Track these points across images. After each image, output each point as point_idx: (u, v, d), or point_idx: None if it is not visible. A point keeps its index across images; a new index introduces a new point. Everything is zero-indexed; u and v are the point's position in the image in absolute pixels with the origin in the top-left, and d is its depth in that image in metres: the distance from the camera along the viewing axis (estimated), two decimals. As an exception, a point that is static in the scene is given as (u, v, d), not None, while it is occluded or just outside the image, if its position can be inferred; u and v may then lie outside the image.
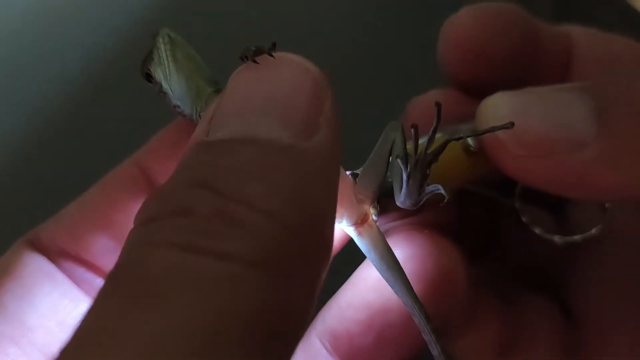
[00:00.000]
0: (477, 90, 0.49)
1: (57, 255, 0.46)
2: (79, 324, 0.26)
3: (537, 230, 0.50)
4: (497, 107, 0.42)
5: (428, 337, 0.42)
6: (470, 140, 0.44)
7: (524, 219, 0.50)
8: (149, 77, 0.44)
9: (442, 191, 0.40)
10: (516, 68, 0.50)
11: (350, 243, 0.45)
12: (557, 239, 0.49)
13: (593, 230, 0.49)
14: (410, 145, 0.41)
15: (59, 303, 0.45)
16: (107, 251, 0.46)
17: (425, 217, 0.49)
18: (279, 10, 0.94)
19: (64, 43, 0.90)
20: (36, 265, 0.45)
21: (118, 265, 0.28)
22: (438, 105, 0.40)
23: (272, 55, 0.34)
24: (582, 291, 0.51)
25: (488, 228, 0.55)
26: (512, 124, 0.39)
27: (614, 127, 0.39)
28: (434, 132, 0.40)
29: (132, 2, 0.93)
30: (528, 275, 0.54)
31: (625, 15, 0.80)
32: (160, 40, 0.43)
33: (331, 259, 0.43)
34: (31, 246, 0.46)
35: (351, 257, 0.46)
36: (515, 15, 0.50)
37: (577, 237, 0.49)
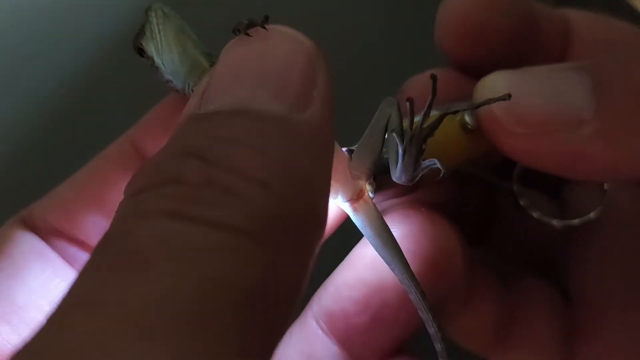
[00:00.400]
0: (474, 70, 0.49)
1: (49, 233, 0.46)
2: (65, 292, 0.25)
3: (535, 214, 0.50)
4: (495, 84, 0.42)
5: (424, 315, 0.42)
6: (467, 118, 0.43)
7: (522, 203, 0.50)
8: (141, 52, 0.44)
9: (439, 165, 0.40)
10: (514, 49, 0.49)
11: (346, 223, 0.45)
12: (555, 222, 0.49)
13: (591, 214, 0.49)
14: (406, 121, 0.41)
15: (51, 281, 0.44)
16: (100, 229, 0.46)
17: (422, 196, 0.48)
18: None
19: (61, 37, 0.89)
20: (28, 244, 0.45)
21: (106, 235, 0.27)
22: (434, 77, 0.39)
23: (265, 28, 0.34)
24: (580, 273, 0.51)
25: (486, 211, 0.55)
26: (509, 96, 0.39)
27: (612, 105, 0.38)
28: (430, 105, 0.40)
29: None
30: (526, 258, 0.54)
31: (625, 15, 0.80)
32: (153, 14, 0.43)
33: (325, 233, 0.43)
34: (23, 225, 0.45)
35: (347, 237, 0.45)
36: None
37: (575, 221, 0.49)
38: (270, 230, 0.27)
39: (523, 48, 0.50)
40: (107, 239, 0.27)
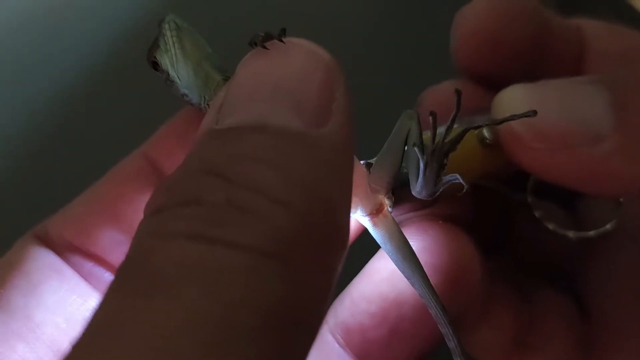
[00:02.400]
0: (489, 82, 0.49)
1: (65, 249, 0.45)
2: (89, 319, 0.25)
3: (550, 226, 0.49)
4: (514, 98, 0.42)
5: (445, 329, 0.41)
6: (486, 133, 0.43)
7: (536, 214, 0.50)
8: (155, 66, 0.44)
9: (461, 180, 0.40)
10: (529, 59, 0.49)
11: (362, 234, 0.45)
12: (570, 234, 0.49)
13: (607, 226, 0.48)
14: (426, 134, 0.41)
15: (67, 298, 0.44)
16: (116, 244, 0.45)
17: (439, 210, 0.48)
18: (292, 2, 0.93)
19: (64, 40, 0.89)
20: (44, 260, 0.44)
21: (127, 258, 0.27)
22: (458, 92, 0.39)
23: (282, 41, 0.34)
24: (597, 286, 0.50)
25: (502, 223, 0.55)
26: (534, 113, 0.39)
27: (632, 120, 0.38)
28: (453, 120, 0.40)
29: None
30: (543, 270, 0.53)
31: (625, 15, 0.80)
32: (167, 26, 0.42)
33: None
34: (38, 240, 0.45)
35: (363, 248, 0.45)
36: (528, 5, 0.49)
37: (591, 233, 0.49)
38: (292, 250, 0.27)
39: (538, 58, 0.50)
40: (128, 262, 0.27)
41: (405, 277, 0.42)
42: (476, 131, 0.44)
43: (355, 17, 0.93)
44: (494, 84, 0.46)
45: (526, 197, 0.50)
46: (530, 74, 0.44)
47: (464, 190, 0.40)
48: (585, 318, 0.50)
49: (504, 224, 0.55)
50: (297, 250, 0.27)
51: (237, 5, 0.92)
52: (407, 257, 0.42)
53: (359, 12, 0.94)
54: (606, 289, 0.49)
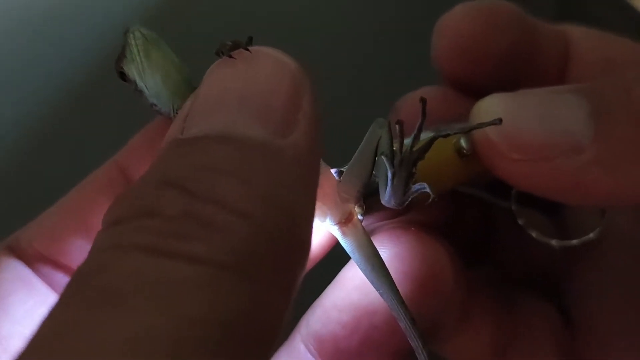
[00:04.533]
0: (471, 88, 0.49)
1: (35, 260, 0.45)
2: (36, 330, 0.25)
3: (533, 234, 0.49)
4: (491, 108, 0.41)
5: (414, 342, 0.41)
6: (463, 143, 0.43)
7: (520, 222, 0.49)
8: (123, 76, 0.43)
9: (428, 190, 0.39)
10: (511, 67, 0.49)
11: (335, 244, 0.44)
12: (554, 242, 0.49)
13: (591, 234, 0.48)
14: (397, 143, 0.40)
15: (35, 310, 0.44)
16: (86, 255, 0.45)
17: (415, 217, 0.48)
18: (266, 8, 0.93)
19: (57, 44, 0.89)
20: (13, 272, 0.44)
21: (79, 270, 0.27)
22: (423, 101, 0.39)
23: (248, 50, 0.33)
24: (580, 295, 0.50)
25: (484, 230, 0.54)
26: (499, 120, 0.38)
27: (611, 130, 0.38)
28: (420, 129, 0.39)
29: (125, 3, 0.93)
30: (525, 278, 0.53)
31: (625, 15, 0.79)
32: (132, 36, 0.42)
33: (315, 257, 0.42)
34: (9, 251, 0.45)
35: (336, 256, 0.44)
36: (510, 12, 0.49)
37: (574, 241, 0.48)
38: (251, 262, 0.26)
39: (521, 65, 0.49)
40: (80, 273, 0.26)
41: (374, 287, 0.41)
42: (453, 141, 0.43)
43: (332, 21, 0.93)
44: (476, 91, 0.45)
45: (510, 205, 0.50)
46: (513, 81, 0.44)
47: (431, 200, 0.39)
48: (569, 327, 0.50)
49: (487, 231, 0.54)
50: (256, 263, 0.26)
51: (211, 12, 0.92)
52: (376, 267, 0.41)
53: (337, 16, 0.94)
54: (590, 297, 0.49)
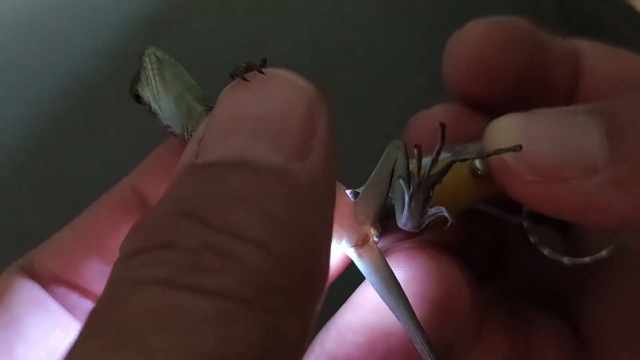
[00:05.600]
0: (483, 106, 0.48)
1: (49, 281, 0.45)
2: None
3: (545, 251, 0.49)
4: (506, 129, 0.41)
5: None
6: (477, 164, 0.43)
7: (532, 240, 0.49)
8: (138, 99, 0.43)
9: (446, 214, 0.39)
10: (523, 84, 0.49)
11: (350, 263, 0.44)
12: (566, 260, 0.48)
13: (603, 252, 0.48)
14: (413, 165, 0.40)
15: (50, 332, 0.43)
16: (101, 276, 0.45)
17: (429, 237, 0.47)
18: (278, 25, 0.93)
19: (60, 48, 0.89)
20: (27, 293, 0.44)
21: (98, 304, 0.27)
22: (442, 126, 0.38)
23: (262, 72, 0.33)
24: (592, 312, 0.50)
25: (496, 248, 0.54)
26: (520, 147, 0.38)
27: (627, 151, 0.38)
28: (438, 153, 0.39)
29: (129, 7, 0.92)
30: (537, 295, 0.53)
31: (625, 15, 0.79)
32: (147, 59, 0.42)
33: (330, 281, 0.42)
34: (23, 272, 0.44)
35: (351, 275, 0.44)
36: (522, 29, 0.49)
37: (586, 259, 0.48)
38: (268, 294, 0.26)
39: (533, 82, 0.49)
40: (99, 308, 0.26)
41: (391, 310, 0.41)
42: (467, 162, 0.43)
43: (345, 39, 0.93)
44: (488, 108, 0.45)
45: (522, 222, 0.50)
46: (524, 98, 0.44)
47: (449, 224, 0.39)
48: (580, 344, 0.49)
49: (499, 248, 0.54)
50: (273, 294, 0.26)
51: (223, 33, 0.92)
52: (392, 290, 0.41)
53: (350, 34, 0.94)
54: (602, 315, 0.49)
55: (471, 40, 0.49)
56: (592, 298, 0.50)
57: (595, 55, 0.51)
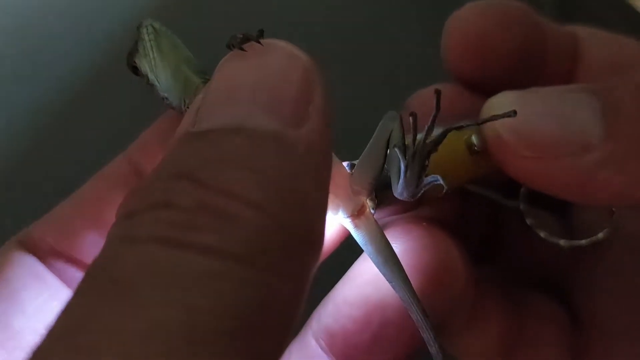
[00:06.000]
0: (481, 87, 0.49)
1: (48, 254, 0.45)
2: (52, 323, 0.25)
3: (541, 234, 0.49)
4: (502, 105, 0.41)
5: (426, 334, 0.41)
6: (474, 139, 0.43)
7: (528, 222, 0.49)
8: (135, 70, 0.44)
9: (441, 182, 0.39)
10: (521, 65, 0.49)
11: (347, 238, 0.44)
12: (562, 242, 0.49)
13: (600, 235, 0.48)
14: (409, 136, 0.40)
15: (48, 305, 0.44)
16: (99, 249, 0.45)
17: (424, 213, 0.48)
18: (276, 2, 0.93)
19: (58, 41, 0.90)
20: (25, 266, 0.44)
21: (95, 262, 0.27)
22: (438, 92, 0.39)
23: (259, 43, 0.33)
24: (588, 295, 0.50)
25: (492, 229, 0.54)
26: (514, 112, 0.38)
27: (621, 129, 0.38)
28: (434, 120, 0.39)
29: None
30: (533, 277, 0.53)
31: (625, 15, 0.80)
32: (144, 31, 0.42)
33: (327, 250, 0.42)
34: (22, 246, 0.45)
35: (347, 251, 0.44)
36: (520, 11, 0.49)
37: (583, 241, 0.48)
38: (264, 253, 0.26)
39: (530, 64, 0.49)
40: (95, 266, 0.27)
41: (387, 280, 0.41)
42: (464, 137, 0.43)
43: (345, 13, 0.93)
44: (485, 89, 0.45)
45: (518, 204, 0.50)
46: (522, 80, 0.44)
47: (444, 192, 0.39)
48: (576, 326, 0.50)
49: (495, 230, 0.54)
50: (269, 254, 0.26)
51: (220, 6, 0.92)
52: (388, 259, 0.41)
53: (350, 10, 0.94)
54: (598, 297, 0.49)
55: (469, 20, 0.49)
56: (588, 280, 0.50)
57: (592, 39, 0.51)
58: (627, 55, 0.50)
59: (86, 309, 0.25)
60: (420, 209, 0.48)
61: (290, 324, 0.28)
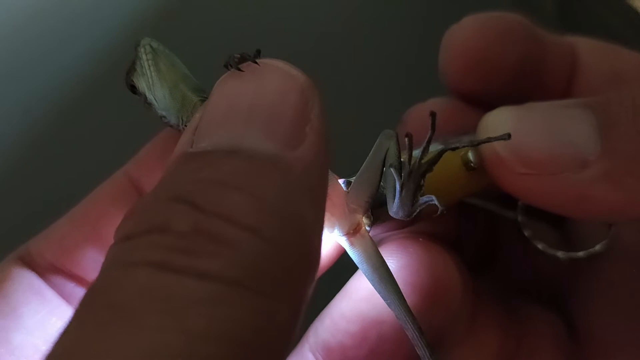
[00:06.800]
0: (478, 100, 0.49)
1: (47, 270, 0.45)
2: (51, 347, 0.25)
3: (539, 246, 0.49)
4: (499, 122, 0.41)
5: (422, 351, 0.41)
6: (471, 156, 0.43)
7: (526, 234, 0.49)
8: (133, 89, 0.44)
9: (436, 202, 0.39)
10: (519, 79, 0.49)
11: (343, 253, 0.44)
12: (560, 254, 0.49)
13: (597, 247, 0.48)
14: (405, 155, 0.40)
15: (47, 320, 0.44)
16: (98, 265, 0.44)
17: (422, 228, 0.48)
18: (274, 17, 0.93)
19: (58, 46, 0.90)
20: (24, 282, 0.44)
21: (91, 287, 0.27)
22: (433, 115, 0.39)
23: (256, 63, 0.33)
24: (585, 306, 0.50)
25: (490, 241, 0.54)
26: (508, 136, 0.38)
27: (618, 145, 0.38)
28: (429, 142, 0.40)
29: (125, 5, 0.92)
30: (531, 289, 0.53)
31: (625, 16, 0.79)
32: (142, 50, 0.42)
33: (323, 267, 0.42)
34: (21, 262, 0.45)
35: (345, 265, 0.45)
36: (519, 25, 0.49)
37: (580, 253, 0.49)
38: (261, 277, 0.26)
39: (529, 78, 0.49)
40: (92, 290, 0.27)
41: (382, 297, 0.41)
42: (461, 154, 0.43)
43: (342, 30, 0.93)
44: (484, 102, 0.45)
45: (516, 217, 0.50)
46: (521, 93, 0.44)
47: (439, 212, 0.39)
48: (574, 338, 0.50)
49: (493, 242, 0.54)
50: (265, 278, 0.27)
51: (218, 24, 0.92)
52: (383, 278, 0.41)
53: (346, 24, 0.94)
54: (595, 309, 0.49)
55: (467, 34, 0.49)
56: (586, 292, 0.50)
57: (591, 51, 0.51)
58: (625, 66, 0.50)
59: (83, 333, 0.25)
60: (418, 224, 0.48)
61: (288, 345, 0.28)
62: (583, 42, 0.52)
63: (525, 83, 0.49)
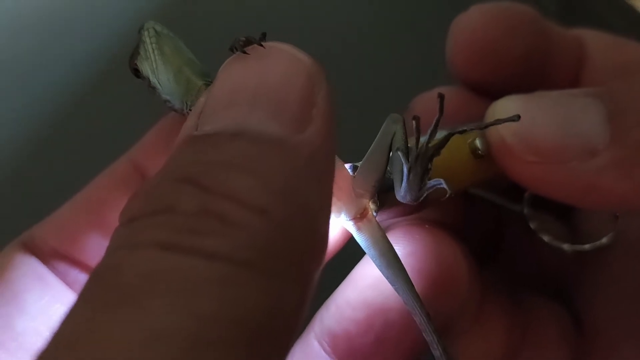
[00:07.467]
0: (485, 90, 0.48)
1: (50, 256, 0.45)
2: (56, 329, 0.24)
3: (545, 238, 0.49)
4: (508, 109, 0.41)
5: (429, 337, 0.41)
6: (478, 143, 0.43)
7: (532, 226, 0.49)
8: (137, 73, 0.43)
9: (445, 185, 0.39)
10: (526, 69, 0.49)
11: (349, 239, 0.44)
12: (566, 247, 0.48)
13: (603, 239, 0.48)
14: (412, 139, 0.40)
15: (50, 306, 0.43)
16: (102, 251, 0.44)
17: (428, 215, 0.48)
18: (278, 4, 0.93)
19: (62, 42, 0.90)
20: (28, 268, 0.44)
21: (98, 268, 0.27)
22: (441, 96, 0.39)
23: (262, 46, 0.33)
24: (591, 299, 0.50)
25: (496, 233, 0.54)
26: (518, 117, 0.38)
27: (627, 134, 0.38)
28: (437, 124, 0.39)
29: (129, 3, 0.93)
30: (537, 281, 0.53)
31: (625, 16, 0.80)
32: (146, 33, 0.42)
33: (329, 252, 0.42)
34: (24, 248, 0.45)
35: (350, 253, 0.44)
36: (526, 15, 0.49)
37: (586, 246, 0.48)
38: (268, 258, 0.26)
39: (536, 67, 0.49)
40: (98, 272, 0.26)
41: (390, 283, 0.41)
42: (469, 141, 0.43)
43: (349, 16, 0.93)
44: (491, 93, 0.45)
45: (522, 208, 0.50)
46: (528, 84, 0.44)
47: (447, 195, 0.39)
48: (579, 330, 0.49)
49: (499, 233, 0.54)
50: (273, 259, 0.26)
51: (222, 9, 0.92)
52: (391, 262, 0.41)
53: (354, 11, 0.94)
54: (600, 302, 0.49)
55: (475, 24, 0.49)
56: (592, 285, 0.50)
57: (598, 43, 0.51)
58: (632, 58, 0.50)
59: (88, 316, 0.24)
60: (424, 211, 0.47)
61: (295, 328, 0.28)
62: (590, 35, 0.52)
63: (532, 74, 0.49)
